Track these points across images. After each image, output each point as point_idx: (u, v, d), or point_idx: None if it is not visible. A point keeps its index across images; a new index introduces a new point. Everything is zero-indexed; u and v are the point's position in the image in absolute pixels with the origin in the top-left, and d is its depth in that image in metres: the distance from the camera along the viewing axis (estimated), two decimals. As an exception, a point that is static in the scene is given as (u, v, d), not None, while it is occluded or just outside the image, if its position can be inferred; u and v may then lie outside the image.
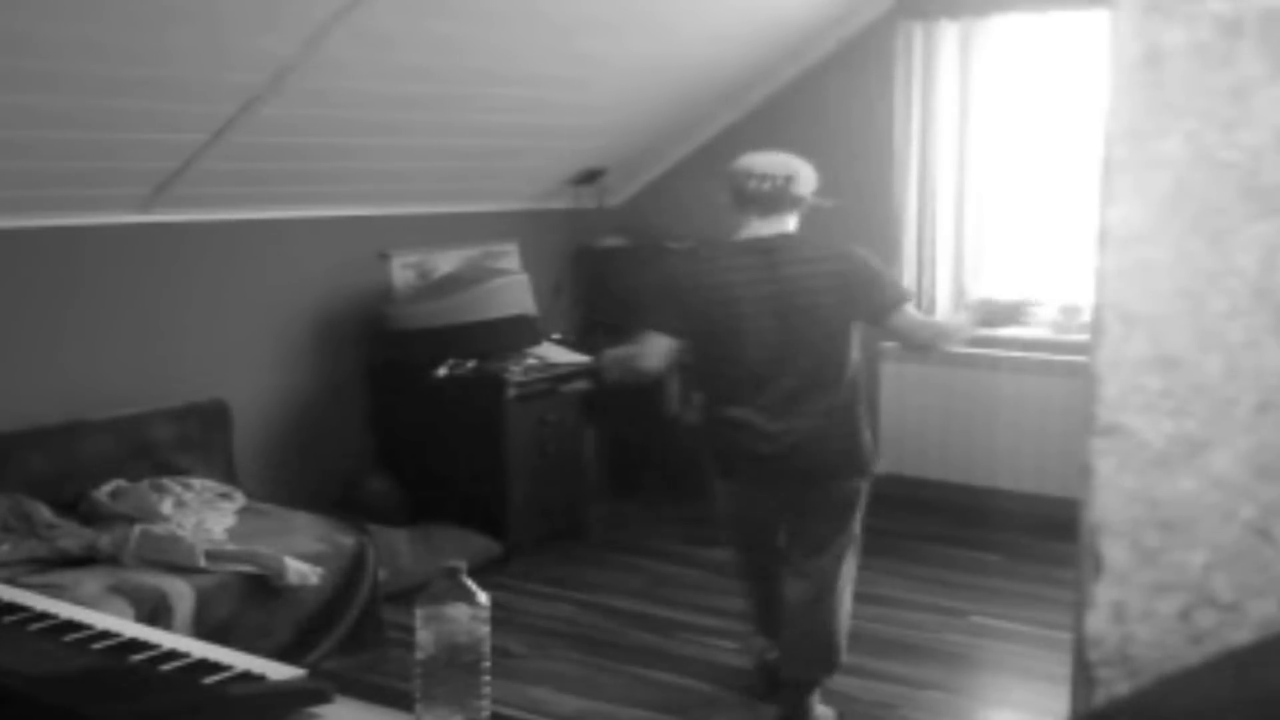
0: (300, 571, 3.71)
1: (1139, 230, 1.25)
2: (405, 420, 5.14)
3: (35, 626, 1.66)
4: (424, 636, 1.44)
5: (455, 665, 1.43)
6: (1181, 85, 1.22)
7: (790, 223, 3.37)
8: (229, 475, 4.44)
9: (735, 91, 5.79)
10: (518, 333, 5.08)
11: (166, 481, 4.14)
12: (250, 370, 4.79)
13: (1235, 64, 1.20)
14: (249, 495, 4.30)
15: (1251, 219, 1.21)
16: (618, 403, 5.16)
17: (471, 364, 4.99)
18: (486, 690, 1.46)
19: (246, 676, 1.49)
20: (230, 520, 4.01)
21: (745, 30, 5.24)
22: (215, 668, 1.51)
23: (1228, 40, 1.20)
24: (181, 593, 3.48)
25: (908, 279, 5.54)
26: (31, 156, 3.79)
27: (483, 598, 1.46)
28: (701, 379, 3.53)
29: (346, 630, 3.88)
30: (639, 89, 5.32)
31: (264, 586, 3.67)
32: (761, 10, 5.14)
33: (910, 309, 3.40)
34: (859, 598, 4.53)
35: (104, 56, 3.50)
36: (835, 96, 5.72)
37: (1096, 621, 1.30)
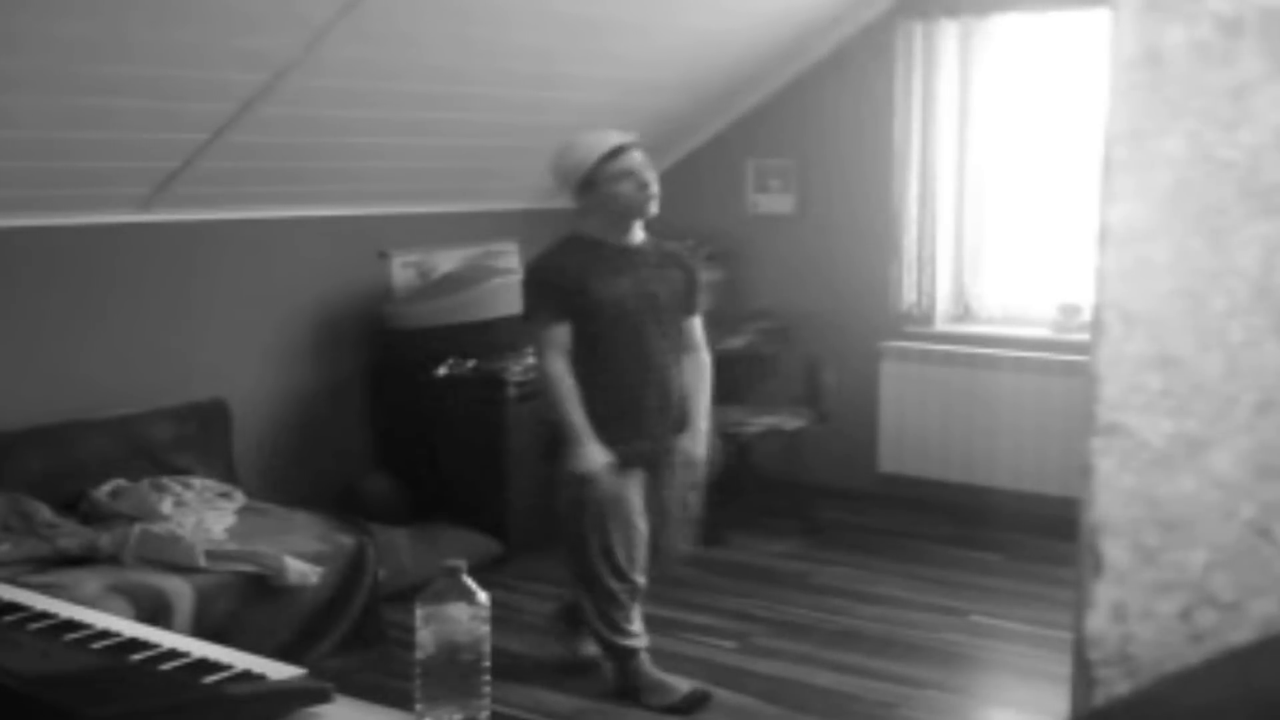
0: (300, 571, 3.71)
1: (1139, 229, 1.25)
2: (405, 420, 5.14)
3: (35, 626, 1.65)
4: (424, 636, 1.44)
5: (455, 665, 1.43)
6: (1181, 85, 1.22)
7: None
8: (229, 475, 4.44)
9: (735, 90, 5.79)
10: (518, 332, 5.07)
11: (166, 481, 4.14)
12: (250, 370, 4.79)
13: (1235, 63, 1.20)
14: (249, 495, 4.30)
15: (1251, 218, 1.20)
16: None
17: (471, 364, 4.99)
18: (486, 690, 1.46)
19: (246, 676, 1.49)
20: (230, 520, 4.01)
21: (745, 29, 5.24)
22: (215, 667, 1.51)
23: (1228, 40, 1.20)
24: (181, 592, 3.48)
25: (908, 279, 5.55)
26: (31, 156, 3.79)
27: (483, 597, 1.46)
28: None
29: (346, 630, 3.87)
30: (638, 89, 5.31)
31: (264, 586, 3.67)
32: (761, 9, 5.14)
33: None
34: (857, 596, 4.55)
35: (104, 56, 3.50)
36: (835, 96, 5.72)
37: (1096, 621, 1.30)
